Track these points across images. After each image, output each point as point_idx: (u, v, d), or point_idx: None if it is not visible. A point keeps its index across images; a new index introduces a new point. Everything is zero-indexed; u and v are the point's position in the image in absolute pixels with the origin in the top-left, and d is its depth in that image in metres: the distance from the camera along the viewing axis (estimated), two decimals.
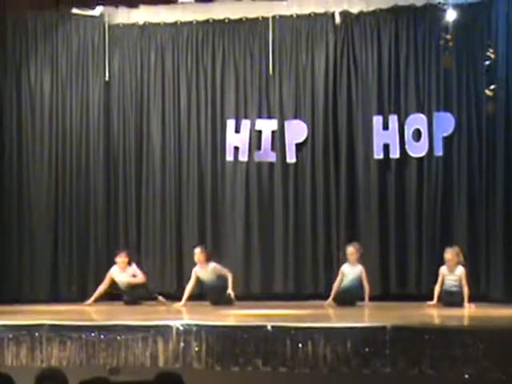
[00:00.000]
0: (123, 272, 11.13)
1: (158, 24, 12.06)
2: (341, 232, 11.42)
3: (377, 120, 11.35)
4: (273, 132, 11.67)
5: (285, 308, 9.89)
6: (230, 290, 10.65)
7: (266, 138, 11.65)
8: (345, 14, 11.60)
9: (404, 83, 11.39)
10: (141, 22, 12.08)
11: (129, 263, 11.15)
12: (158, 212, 11.91)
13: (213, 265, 10.86)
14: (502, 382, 7.10)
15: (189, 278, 10.88)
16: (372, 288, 10.63)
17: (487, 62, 10.54)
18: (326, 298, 10.65)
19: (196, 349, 7.71)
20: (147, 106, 12.07)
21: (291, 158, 11.61)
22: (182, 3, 11.18)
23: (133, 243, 11.85)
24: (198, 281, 10.89)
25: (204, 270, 10.86)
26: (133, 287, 11.06)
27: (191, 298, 10.76)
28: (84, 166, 11.92)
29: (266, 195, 11.74)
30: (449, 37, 10.04)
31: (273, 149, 11.66)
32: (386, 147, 11.29)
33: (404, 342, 7.37)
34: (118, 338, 7.87)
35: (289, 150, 11.59)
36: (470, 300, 10.04)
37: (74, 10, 11.58)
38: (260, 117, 11.77)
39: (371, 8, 11.55)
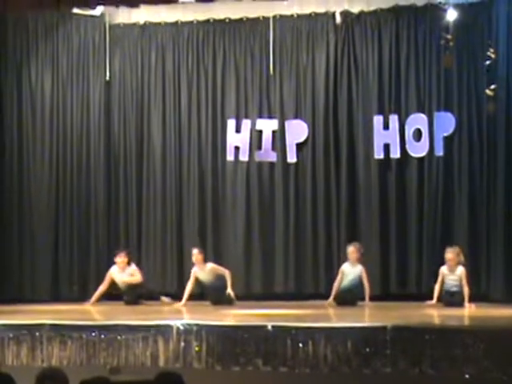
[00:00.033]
0: (122, 272, 11.13)
1: (159, 24, 12.07)
2: (341, 232, 11.43)
3: (377, 120, 11.35)
4: (273, 132, 11.67)
5: (285, 308, 9.90)
6: (229, 290, 10.66)
7: (267, 137, 11.65)
8: (345, 14, 11.60)
9: (405, 83, 11.39)
10: (141, 22, 12.09)
11: (128, 263, 11.15)
12: (158, 212, 11.91)
13: (210, 265, 10.88)
14: (502, 382, 7.10)
15: (189, 278, 10.88)
16: (372, 288, 10.64)
17: (488, 62, 10.54)
18: (326, 297, 10.65)
19: (196, 348, 7.71)
20: (148, 106, 12.07)
21: (292, 158, 11.61)
22: (183, 3, 11.20)
23: (133, 243, 11.86)
24: (198, 281, 10.90)
25: (202, 270, 10.87)
26: (132, 287, 11.06)
27: (191, 297, 10.77)
28: (85, 165, 11.92)
29: (267, 195, 11.74)
30: (449, 36, 10.04)
31: (273, 149, 11.66)
32: (387, 147, 11.29)
33: (404, 341, 7.37)
34: (119, 337, 7.87)
35: (289, 150, 11.59)
36: (471, 300, 10.04)
37: (75, 10, 11.59)
38: (260, 116, 11.76)
39: (372, 8, 11.56)
